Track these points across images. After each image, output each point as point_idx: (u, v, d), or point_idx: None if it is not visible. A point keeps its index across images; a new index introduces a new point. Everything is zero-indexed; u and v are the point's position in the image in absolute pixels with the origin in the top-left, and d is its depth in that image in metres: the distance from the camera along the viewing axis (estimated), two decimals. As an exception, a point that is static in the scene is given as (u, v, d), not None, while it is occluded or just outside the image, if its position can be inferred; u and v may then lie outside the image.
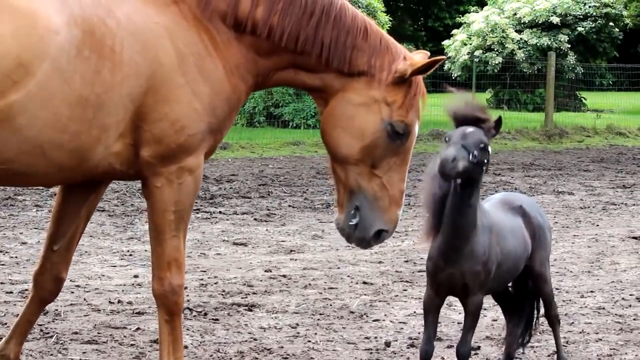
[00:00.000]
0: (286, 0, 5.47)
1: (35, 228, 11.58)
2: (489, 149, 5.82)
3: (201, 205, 13.64)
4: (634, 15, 47.66)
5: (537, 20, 36.10)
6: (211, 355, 6.95)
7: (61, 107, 4.92)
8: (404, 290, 9.11)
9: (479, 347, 7.24)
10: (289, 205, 14.14)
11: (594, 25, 36.44)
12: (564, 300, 8.73)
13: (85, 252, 10.36)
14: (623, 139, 27.05)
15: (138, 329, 7.53)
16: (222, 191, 15.32)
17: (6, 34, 4.78)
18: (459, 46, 36.18)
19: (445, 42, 37.76)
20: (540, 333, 7.51)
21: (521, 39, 35.65)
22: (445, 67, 35.15)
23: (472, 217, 5.92)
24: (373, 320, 8.02)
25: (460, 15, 41.23)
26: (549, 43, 35.27)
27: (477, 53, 34.93)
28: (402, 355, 7.10)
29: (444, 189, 5.89)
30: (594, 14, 36.51)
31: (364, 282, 9.38)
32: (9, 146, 4.90)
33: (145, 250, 10.34)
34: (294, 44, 5.51)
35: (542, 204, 14.41)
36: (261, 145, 21.77)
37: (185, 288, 7.92)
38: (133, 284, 9.01)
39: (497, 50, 35.21)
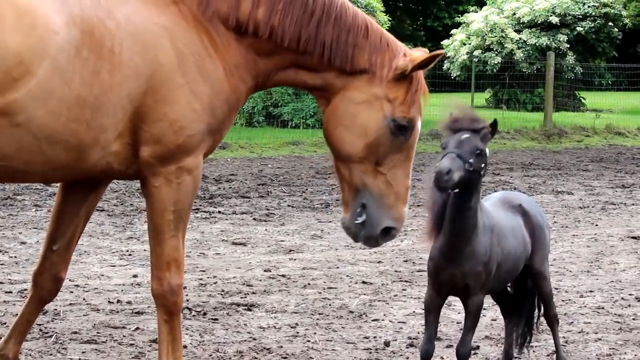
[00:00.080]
0: (286, 0, 5.47)
1: (34, 228, 11.58)
2: (487, 152, 5.83)
3: (200, 205, 13.64)
4: (633, 15, 47.68)
5: (536, 20, 36.10)
6: (210, 355, 6.95)
7: (60, 106, 4.93)
8: (403, 290, 9.11)
9: (478, 347, 7.24)
10: (288, 205, 14.14)
11: (593, 25, 36.44)
12: (563, 300, 8.73)
13: (85, 251, 10.36)
14: (622, 139, 27.05)
15: (137, 328, 7.53)
16: (222, 191, 15.32)
17: (7, 32, 4.78)
18: (458, 46, 36.18)
19: (445, 42, 37.76)
20: (539, 333, 7.51)
21: (520, 38, 35.65)
22: (445, 67, 35.15)
23: (473, 218, 5.93)
24: (372, 320, 8.02)
25: (460, 15, 41.23)
26: (548, 43, 35.28)
27: (476, 53, 34.93)
28: (401, 355, 7.10)
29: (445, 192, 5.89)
30: (593, 13, 36.51)
31: (363, 282, 9.38)
32: (9, 143, 4.92)
33: (145, 250, 10.34)
34: (296, 43, 5.51)
35: (542, 203, 14.41)
36: (260, 145, 21.77)
37: (185, 288, 7.93)
38: (132, 284, 9.01)
39: (496, 50, 35.22)
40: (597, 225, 13.16)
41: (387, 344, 7.31)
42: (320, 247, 11.16)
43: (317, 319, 8.00)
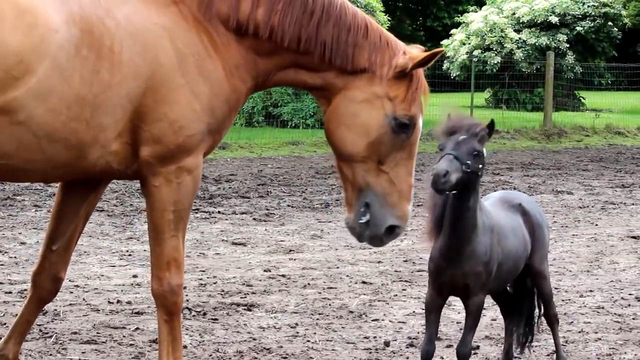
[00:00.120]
0: (286, 0, 5.47)
1: (34, 228, 11.58)
2: (484, 152, 5.84)
3: (200, 205, 13.64)
4: (633, 15, 47.66)
5: (535, 20, 36.10)
6: (210, 355, 6.95)
7: (60, 105, 4.94)
8: (403, 289, 9.11)
9: (478, 347, 7.24)
10: (288, 205, 14.14)
11: (592, 24, 36.43)
12: (563, 300, 8.73)
13: (85, 252, 10.36)
14: (622, 139, 27.05)
15: (137, 328, 7.53)
16: (221, 191, 15.32)
17: (7, 31, 4.79)
18: (457, 46, 36.17)
19: (444, 42, 37.74)
20: (539, 332, 7.51)
21: (520, 38, 35.64)
22: (444, 67, 35.14)
23: (472, 218, 5.93)
24: (372, 320, 8.02)
25: (459, 15, 41.21)
26: (548, 42, 35.27)
27: (475, 53, 34.91)
28: (401, 355, 7.10)
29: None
30: (593, 13, 36.50)
31: (363, 282, 9.38)
32: (9, 141, 4.93)
33: (144, 250, 10.34)
34: (296, 43, 5.51)
35: (541, 203, 14.41)
36: (260, 145, 21.77)
37: (184, 288, 7.93)
38: (132, 284, 9.01)
39: (496, 50, 35.20)
40: (597, 225, 13.16)
41: (387, 344, 7.31)
42: (320, 247, 11.15)
43: (317, 319, 8.00)
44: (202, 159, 5.47)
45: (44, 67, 4.87)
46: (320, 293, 8.90)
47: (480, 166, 5.80)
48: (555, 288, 8.78)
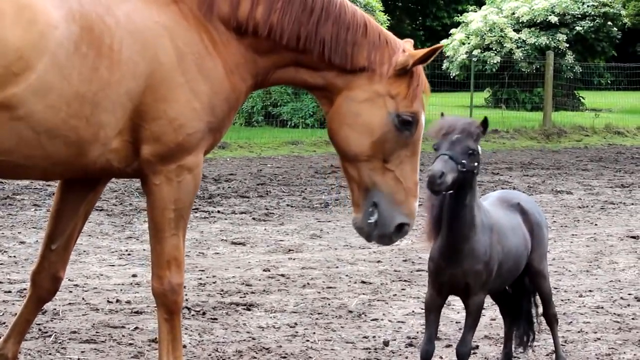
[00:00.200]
0: (285, -2, 5.48)
1: (33, 227, 11.58)
2: (479, 150, 5.85)
3: (200, 205, 13.64)
4: (633, 15, 47.64)
5: (535, 20, 36.09)
6: (209, 355, 6.95)
7: (60, 101, 4.95)
8: (403, 289, 9.11)
9: (477, 347, 7.24)
10: (288, 205, 14.14)
11: (592, 24, 36.43)
12: (562, 300, 8.73)
13: (84, 251, 10.36)
14: (621, 138, 27.05)
15: (136, 328, 7.53)
16: (221, 190, 15.32)
17: (7, 27, 4.79)
18: (457, 45, 36.16)
19: (444, 42, 37.69)
20: (538, 332, 7.51)
21: (519, 38, 35.63)
22: (444, 67, 35.14)
23: (469, 217, 5.94)
24: (371, 320, 8.02)
25: (459, 15, 41.19)
26: (548, 42, 35.26)
27: (475, 52, 34.90)
28: (400, 355, 7.10)
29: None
30: (593, 13, 36.50)
31: (363, 282, 9.38)
32: (9, 137, 4.94)
33: (144, 250, 10.35)
34: (295, 42, 5.51)
35: (541, 203, 14.41)
36: (259, 145, 21.76)
37: (184, 287, 7.92)
38: (131, 283, 9.01)
39: (496, 50, 35.20)
40: (596, 224, 13.16)
41: (386, 343, 7.31)
42: (319, 247, 11.16)
43: (316, 319, 8.00)
44: (203, 158, 5.47)
45: (44, 64, 4.88)
46: (319, 293, 8.90)
47: (476, 164, 5.82)
48: (555, 288, 8.78)
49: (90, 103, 5.02)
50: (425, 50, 5.60)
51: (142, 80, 5.14)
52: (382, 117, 5.57)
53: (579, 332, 7.76)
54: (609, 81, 41.06)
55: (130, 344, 7.12)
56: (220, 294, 8.74)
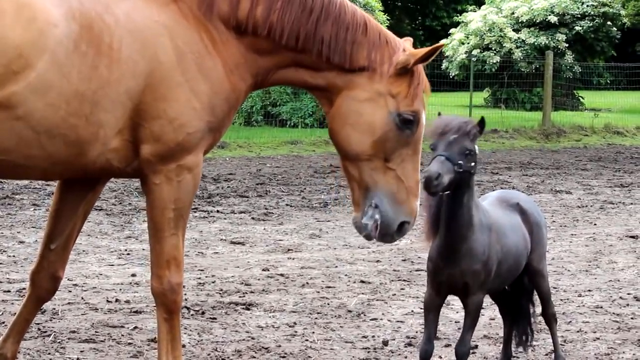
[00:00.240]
0: (285, -2, 5.48)
1: (33, 227, 11.58)
2: (476, 149, 5.85)
3: (199, 204, 13.64)
4: (632, 14, 47.63)
5: (534, 20, 36.09)
6: (209, 354, 6.95)
7: (59, 100, 4.94)
8: (402, 289, 9.11)
9: (476, 346, 7.24)
10: (287, 204, 14.14)
11: (591, 24, 36.43)
12: (561, 299, 8.73)
13: (83, 251, 10.36)
14: (621, 138, 27.05)
15: (136, 327, 7.53)
16: (220, 190, 15.32)
17: (7, 25, 4.79)
18: (456, 45, 36.16)
19: (443, 41, 37.63)
20: (537, 332, 7.51)
21: (519, 38, 35.63)
22: (443, 67, 35.14)
23: (467, 215, 5.94)
24: (371, 319, 8.02)
25: (458, 14, 41.19)
26: (547, 42, 35.27)
27: (474, 52, 34.91)
28: (399, 354, 7.10)
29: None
30: (592, 13, 36.50)
31: (362, 281, 9.38)
32: (8, 136, 4.93)
33: (143, 249, 10.35)
34: (294, 41, 5.51)
35: (540, 203, 14.41)
36: (259, 144, 21.76)
37: (183, 287, 7.92)
38: (131, 283, 9.01)
39: (495, 50, 35.20)
40: (595, 224, 13.16)
41: (385, 343, 7.31)
42: (318, 247, 11.16)
43: (316, 318, 8.00)
44: (202, 157, 5.47)
45: (43, 62, 4.88)
46: (318, 292, 8.90)
47: (473, 164, 5.82)
48: (554, 287, 8.79)
49: (89, 102, 5.02)
50: (426, 49, 5.60)
51: (142, 79, 5.14)
52: (384, 116, 5.57)
53: (578, 331, 7.76)
54: (608, 81, 41.05)
55: (130, 344, 7.12)
56: (220, 293, 8.74)
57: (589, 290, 9.20)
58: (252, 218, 12.90)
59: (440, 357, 6.98)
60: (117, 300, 8.34)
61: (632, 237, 12.15)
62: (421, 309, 6.53)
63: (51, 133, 4.99)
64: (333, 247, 11.11)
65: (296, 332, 7.59)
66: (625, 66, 36.52)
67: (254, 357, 6.94)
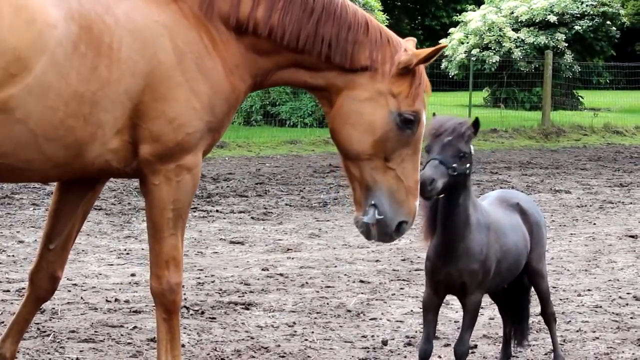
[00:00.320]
0: (286, -2, 5.47)
1: (32, 227, 11.58)
2: (471, 150, 5.87)
3: (198, 204, 13.64)
4: (632, 14, 47.67)
5: (534, 19, 36.09)
6: (208, 354, 6.95)
7: (57, 102, 4.93)
8: (401, 288, 9.12)
9: (476, 346, 7.24)
10: (286, 204, 14.14)
11: (591, 23, 36.44)
12: (561, 299, 8.73)
13: (83, 250, 10.35)
14: (620, 138, 27.06)
15: (135, 327, 7.53)
16: (219, 190, 15.32)
17: (5, 27, 4.78)
18: (456, 45, 36.16)
19: (442, 41, 37.71)
20: (537, 332, 7.51)
21: (518, 37, 35.64)
22: (442, 66, 35.14)
23: (464, 216, 5.95)
24: (370, 319, 8.02)
25: (458, 14, 41.20)
26: (546, 42, 35.27)
27: (474, 52, 34.92)
28: (399, 354, 7.10)
29: None
30: (592, 12, 36.50)
31: (361, 281, 9.38)
32: (6, 140, 4.90)
33: (142, 249, 10.34)
34: (295, 42, 5.50)
35: (539, 202, 14.41)
36: (258, 144, 21.76)
37: (182, 287, 7.92)
38: (130, 283, 9.01)
39: (494, 49, 35.20)
40: (595, 224, 13.16)
41: (384, 342, 7.31)
42: (318, 246, 11.16)
43: (315, 318, 8.00)
44: (202, 158, 5.47)
45: (42, 64, 4.86)
46: (318, 292, 8.90)
47: (468, 166, 5.84)
48: (553, 287, 8.79)
49: (89, 102, 5.01)
50: (429, 49, 5.60)
51: (141, 78, 5.13)
52: (384, 116, 5.57)
53: (577, 331, 7.76)
54: (607, 80, 41.07)
55: (129, 343, 7.12)
56: (219, 293, 8.74)
57: (589, 290, 9.20)
58: (252, 218, 12.90)
59: (440, 357, 6.98)
60: (116, 300, 8.34)
61: (632, 236, 12.15)
62: (420, 308, 6.53)
63: (49, 135, 4.97)
64: (332, 247, 11.11)
65: (295, 331, 7.59)
66: (624, 66, 36.51)
67: (253, 357, 6.94)
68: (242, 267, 9.92)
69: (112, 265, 9.80)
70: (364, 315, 8.14)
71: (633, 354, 7.22)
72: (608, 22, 37.08)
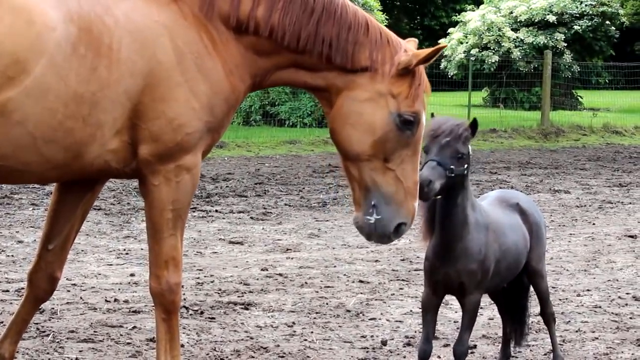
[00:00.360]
0: (286, -2, 5.47)
1: (31, 227, 11.58)
2: (469, 151, 5.87)
3: (197, 204, 13.64)
4: (631, 14, 47.67)
5: (533, 19, 36.10)
6: (207, 354, 6.95)
7: (56, 103, 4.92)
8: (400, 288, 9.11)
9: (475, 346, 7.24)
10: (285, 204, 14.14)
11: (590, 23, 36.44)
12: (560, 299, 8.73)
13: (82, 250, 10.35)
14: (619, 138, 27.06)
15: (134, 327, 7.53)
16: (219, 190, 15.32)
17: (3, 30, 4.77)
18: (455, 45, 36.16)
19: (442, 41, 37.71)
20: (536, 332, 7.51)
21: (517, 37, 35.64)
22: (442, 66, 35.14)
23: (462, 216, 5.96)
24: (369, 319, 8.02)
25: (457, 14, 41.21)
26: (546, 41, 35.27)
27: (473, 52, 34.92)
28: (398, 354, 7.10)
29: None
30: (591, 12, 36.51)
31: (360, 281, 9.38)
32: (5, 142, 4.89)
33: (142, 249, 10.34)
34: (296, 42, 5.50)
35: (539, 202, 14.41)
36: (257, 144, 21.76)
37: (182, 287, 7.92)
38: (129, 283, 9.01)
39: (494, 49, 35.20)
40: (594, 224, 13.16)
41: (384, 343, 7.31)
42: (317, 246, 11.16)
43: (314, 318, 8.00)
44: (201, 158, 5.47)
45: (41, 66, 4.85)
46: (317, 292, 8.90)
47: (465, 166, 5.85)
48: (553, 287, 8.79)
49: (88, 103, 5.00)
50: (429, 50, 5.60)
51: (140, 78, 5.12)
52: (384, 117, 5.56)
53: (576, 331, 7.76)
54: (607, 80, 41.06)
55: (128, 343, 7.12)
56: (218, 293, 8.74)
57: (588, 290, 9.21)
58: (251, 218, 12.90)
59: (439, 357, 6.98)
60: (115, 300, 8.34)
61: (631, 236, 12.15)
62: (419, 308, 6.53)
63: (48, 137, 4.96)
64: (332, 247, 11.11)
65: (295, 331, 7.59)
66: (624, 65, 36.50)
67: (253, 357, 6.94)
68: (242, 267, 9.92)
69: (111, 265, 9.80)
70: (363, 315, 8.14)
71: (632, 354, 7.22)
72: (607, 22, 37.09)
